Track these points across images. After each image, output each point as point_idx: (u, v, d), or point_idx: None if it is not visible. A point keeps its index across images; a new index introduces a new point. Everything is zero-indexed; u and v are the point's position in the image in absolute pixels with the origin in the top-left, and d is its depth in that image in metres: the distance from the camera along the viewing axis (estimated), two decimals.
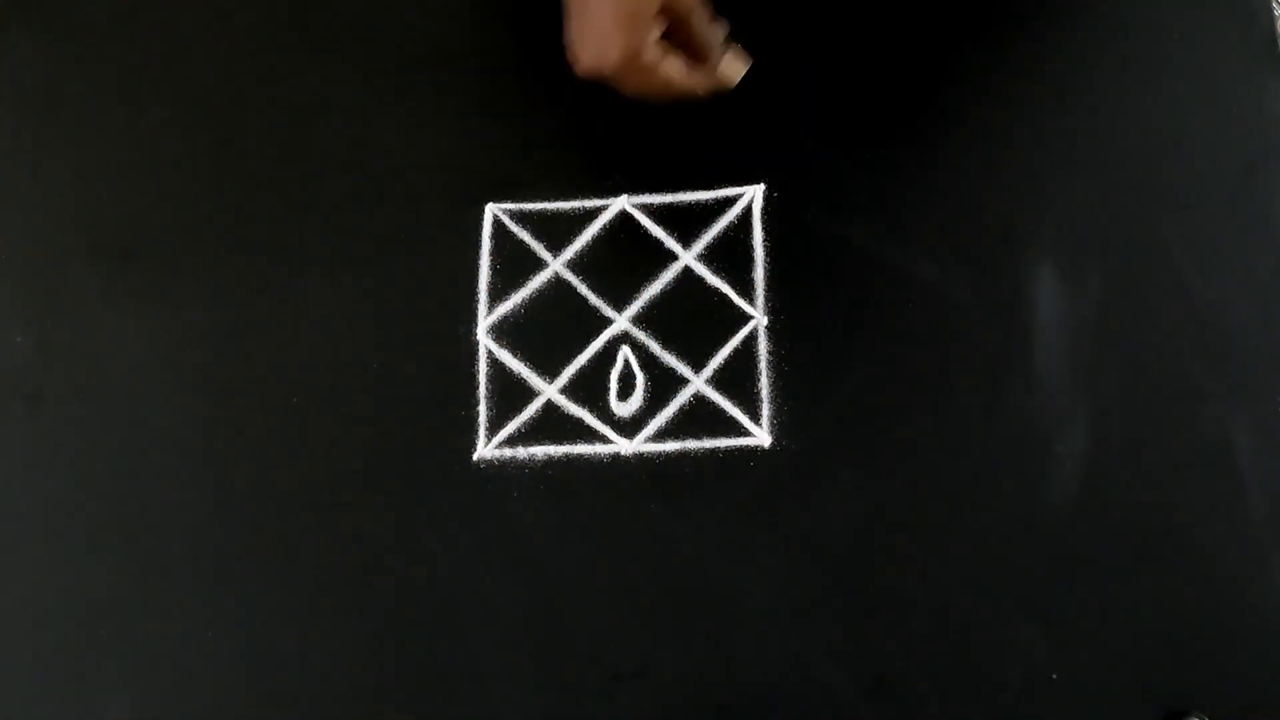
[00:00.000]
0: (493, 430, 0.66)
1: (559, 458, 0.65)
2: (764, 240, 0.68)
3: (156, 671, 0.64)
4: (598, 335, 0.67)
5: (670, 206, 0.69)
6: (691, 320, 0.67)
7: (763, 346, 0.66)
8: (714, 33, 0.62)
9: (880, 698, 0.59)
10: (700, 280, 0.68)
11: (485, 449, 0.66)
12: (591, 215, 0.69)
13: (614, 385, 0.66)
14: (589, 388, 0.66)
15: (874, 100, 0.70)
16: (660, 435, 0.65)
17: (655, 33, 0.57)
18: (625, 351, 0.67)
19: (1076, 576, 0.59)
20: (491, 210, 0.70)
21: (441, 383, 0.67)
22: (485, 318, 0.68)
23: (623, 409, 0.65)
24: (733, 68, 0.63)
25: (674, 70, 0.58)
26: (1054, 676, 0.58)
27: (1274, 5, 0.68)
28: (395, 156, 0.73)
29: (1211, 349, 0.62)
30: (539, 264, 0.69)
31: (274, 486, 0.66)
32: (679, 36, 0.60)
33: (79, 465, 0.68)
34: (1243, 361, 0.62)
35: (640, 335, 0.67)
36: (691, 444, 0.64)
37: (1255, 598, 0.58)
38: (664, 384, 0.66)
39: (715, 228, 0.68)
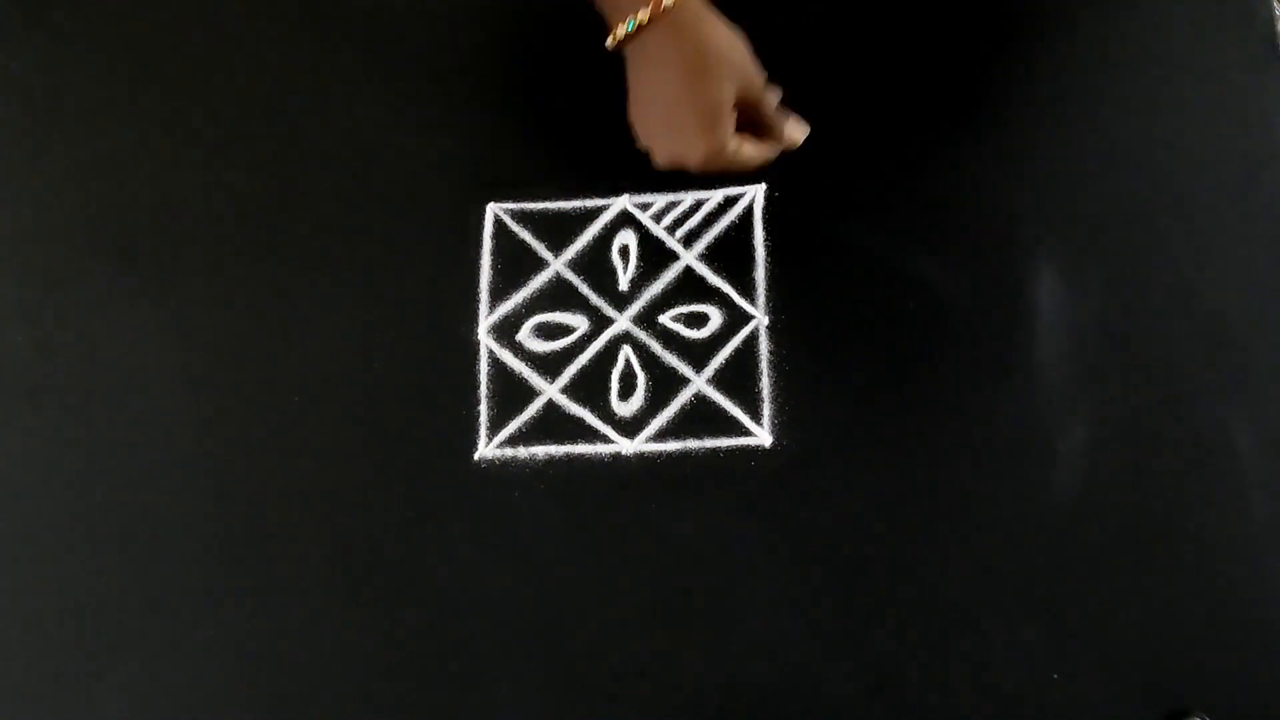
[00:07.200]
0: (494, 430, 0.66)
1: (560, 457, 0.65)
2: (764, 240, 0.68)
3: (156, 671, 0.64)
4: (599, 335, 0.67)
5: (671, 206, 0.69)
6: (692, 320, 0.67)
7: (763, 346, 0.66)
8: (775, 106, 0.64)
9: (880, 698, 0.59)
10: (701, 280, 0.68)
11: (486, 449, 0.66)
12: (593, 215, 0.69)
13: (615, 385, 0.66)
14: (590, 387, 0.66)
15: (875, 101, 0.70)
16: (661, 435, 0.65)
17: (731, 127, 0.60)
18: (626, 351, 0.67)
19: (1077, 576, 0.60)
20: (493, 210, 0.70)
21: (442, 383, 0.67)
22: (486, 317, 0.68)
23: (624, 409, 0.65)
24: (797, 131, 0.65)
25: (750, 154, 0.62)
26: (1054, 676, 0.58)
27: (1274, 5, 0.68)
28: (396, 156, 0.73)
29: (1211, 349, 0.62)
30: (540, 263, 0.69)
31: (274, 486, 0.66)
32: (745, 117, 0.62)
33: (79, 464, 0.68)
34: (1243, 361, 0.62)
35: (641, 335, 0.67)
36: (692, 444, 0.64)
37: (1255, 598, 0.58)
38: (665, 384, 0.66)
39: (716, 228, 0.68)
